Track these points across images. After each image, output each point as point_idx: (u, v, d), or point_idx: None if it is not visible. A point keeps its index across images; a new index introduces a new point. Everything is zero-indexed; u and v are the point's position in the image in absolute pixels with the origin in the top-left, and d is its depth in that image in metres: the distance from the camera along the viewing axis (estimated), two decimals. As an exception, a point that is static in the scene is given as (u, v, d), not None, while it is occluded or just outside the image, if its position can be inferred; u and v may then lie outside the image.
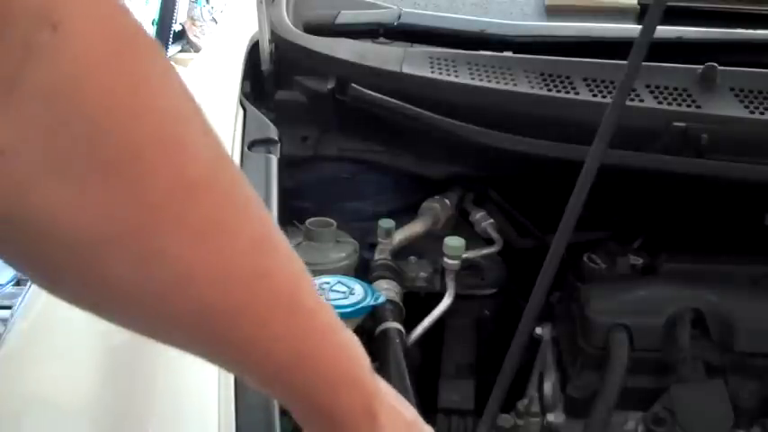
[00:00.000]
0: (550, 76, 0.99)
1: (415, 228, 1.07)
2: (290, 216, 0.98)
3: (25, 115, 0.30)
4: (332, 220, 0.99)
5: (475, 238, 1.08)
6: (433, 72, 1.00)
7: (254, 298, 0.38)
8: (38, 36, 0.29)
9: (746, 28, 1.13)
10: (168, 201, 0.33)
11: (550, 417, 0.90)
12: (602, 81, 0.97)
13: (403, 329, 0.91)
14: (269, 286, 0.39)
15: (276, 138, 0.99)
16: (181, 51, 4.91)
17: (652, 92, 0.95)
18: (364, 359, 0.47)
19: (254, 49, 1.14)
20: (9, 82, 0.29)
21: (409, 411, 0.52)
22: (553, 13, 1.25)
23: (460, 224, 1.12)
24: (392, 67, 1.01)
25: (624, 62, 0.73)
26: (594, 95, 0.95)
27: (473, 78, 0.99)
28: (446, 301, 0.99)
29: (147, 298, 0.35)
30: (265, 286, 0.39)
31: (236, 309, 0.38)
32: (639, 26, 0.72)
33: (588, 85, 0.97)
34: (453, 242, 1.01)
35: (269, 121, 1.02)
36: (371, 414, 0.47)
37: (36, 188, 0.31)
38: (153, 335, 0.40)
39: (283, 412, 0.64)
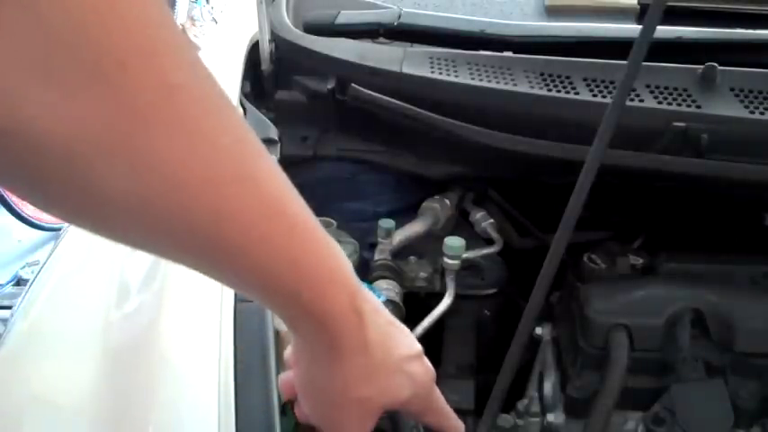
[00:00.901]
0: (550, 76, 0.99)
1: (414, 228, 1.07)
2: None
3: (8, 25, 0.30)
4: (332, 220, 0.99)
5: (475, 238, 1.08)
6: (433, 72, 1.00)
7: (240, 200, 0.39)
8: None
9: (746, 28, 1.13)
10: (153, 105, 0.34)
11: (550, 417, 0.90)
12: (602, 81, 0.97)
13: (403, 329, 0.91)
14: (254, 189, 0.40)
15: (276, 138, 0.99)
16: (181, 51, 4.91)
17: (652, 92, 0.95)
18: (347, 261, 0.48)
19: (254, 49, 1.14)
20: None
21: (387, 311, 0.54)
22: (553, 13, 1.25)
23: (460, 224, 1.12)
24: (392, 67, 1.01)
25: (624, 62, 0.72)
26: (594, 95, 0.95)
27: (473, 78, 0.99)
28: (446, 301, 0.99)
29: (139, 205, 0.36)
30: (250, 188, 0.40)
31: (224, 211, 0.39)
32: (639, 26, 0.72)
33: (588, 85, 0.97)
34: (453, 242, 1.01)
35: (269, 121, 1.02)
36: (358, 313, 0.48)
37: (24, 99, 0.31)
38: (143, 244, 0.41)
39: (283, 412, 0.64)
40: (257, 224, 0.40)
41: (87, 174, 0.34)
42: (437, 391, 0.60)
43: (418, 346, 0.57)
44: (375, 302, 0.52)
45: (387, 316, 0.53)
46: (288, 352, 0.56)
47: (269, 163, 0.42)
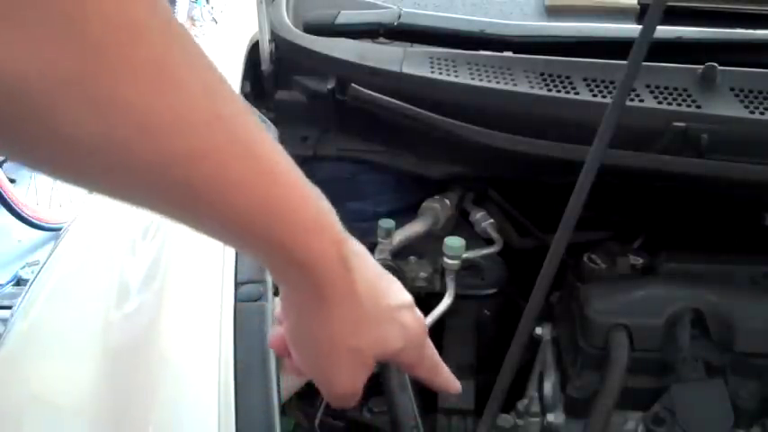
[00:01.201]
0: (550, 76, 0.99)
1: (414, 228, 1.07)
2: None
3: None
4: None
5: (475, 238, 1.08)
6: (433, 72, 1.00)
7: (210, 143, 0.39)
8: None
9: (746, 28, 1.13)
10: (114, 41, 0.34)
11: (550, 417, 0.90)
12: (602, 81, 0.97)
13: (403, 329, 0.91)
14: (224, 131, 0.39)
15: (276, 138, 0.99)
16: (181, 51, 4.91)
17: (652, 92, 0.95)
18: (331, 210, 0.48)
19: (254, 49, 1.14)
20: None
21: (376, 263, 0.53)
22: (553, 13, 1.25)
23: (460, 224, 1.12)
24: (392, 67, 1.01)
25: (624, 62, 0.73)
26: (594, 95, 0.95)
27: (473, 78, 0.99)
28: (446, 301, 0.99)
29: (105, 149, 0.36)
30: (220, 131, 0.39)
31: (194, 154, 0.38)
32: (639, 26, 0.72)
33: (588, 85, 0.97)
34: (453, 242, 1.01)
35: (269, 121, 1.02)
36: (343, 261, 0.48)
37: None
38: (115, 192, 0.41)
39: (283, 412, 0.64)
40: (229, 166, 0.40)
41: (52, 116, 0.34)
42: (430, 345, 0.59)
43: (408, 297, 0.56)
44: (363, 253, 0.51)
45: (375, 267, 0.53)
46: (277, 309, 0.56)
47: (240, 106, 0.41)
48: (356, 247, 0.50)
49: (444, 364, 0.62)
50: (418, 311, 0.58)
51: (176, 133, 0.37)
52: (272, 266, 0.48)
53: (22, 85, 0.32)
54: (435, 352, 0.60)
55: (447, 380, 0.62)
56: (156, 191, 0.39)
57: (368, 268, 0.51)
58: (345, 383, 0.53)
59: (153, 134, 0.36)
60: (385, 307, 0.53)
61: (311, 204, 0.46)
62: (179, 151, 0.37)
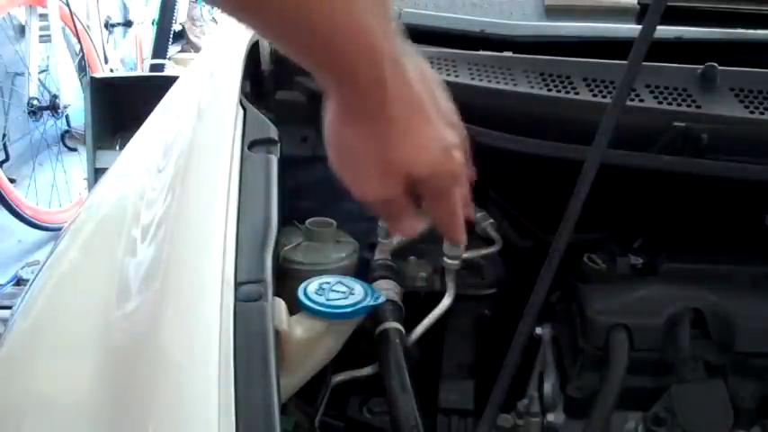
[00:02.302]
0: (550, 76, 0.99)
1: (415, 228, 1.06)
2: (290, 216, 0.98)
3: None
4: (332, 220, 0.99)
5: (475, 238, 1.08)
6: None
7: None
8: None
9: (746, 28, 1.13)
10: None
11: (550, 417, 0.91)
12: (602, 81, 0.97)
13: (403, 329, 0.91)
14: None
15: (276, 138, 0.98)
16: (181, 51, 4.92)
17: (652, 92, 0.95)
18: (386, 30, 0.50)
19: (253, 49, 1.14)
20: None
21: (432, 94, 0.56)
22: (553, 13, 1.25)
23: (460, 224, 1.11)
24: (392, 67, 1.01)
25: (624, 62, 0.73)
26: (594, 95, 0.95)
27: (473, 78, 0.99)
28: (446, 301, 0.99)
29: None
30: None
31: None
32: (639, 26, 0.72)
33: (588, 85, 0.97)
34: (453, 242, 1.00)
35: (269, 121, 1.02)
36: (379, 81, 0.51)
37: None
38: None
39: (283, 412, 0.64)
40: None
41: None
42: (459, 193, 0.62)
43: (452, 139, 0.59)
44: (409, 80, 0.53)
45: (419, 98, 0.54)
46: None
47: None
48: (402, 77, 0.52)
49: (462, 221, 0.64)
50: (459, 155, 0.60)
51: None
52: (323, 79, 0.52)
53: None
54: (459, 204, 0.63)
55: (457, 232, 0.65)
56: None
57: (410, 96, 0.53)
58: (374, 191, 0.57)
59: None
60: (423, 135, 0.55)
61: (366, 30, 0.48)
62: None
